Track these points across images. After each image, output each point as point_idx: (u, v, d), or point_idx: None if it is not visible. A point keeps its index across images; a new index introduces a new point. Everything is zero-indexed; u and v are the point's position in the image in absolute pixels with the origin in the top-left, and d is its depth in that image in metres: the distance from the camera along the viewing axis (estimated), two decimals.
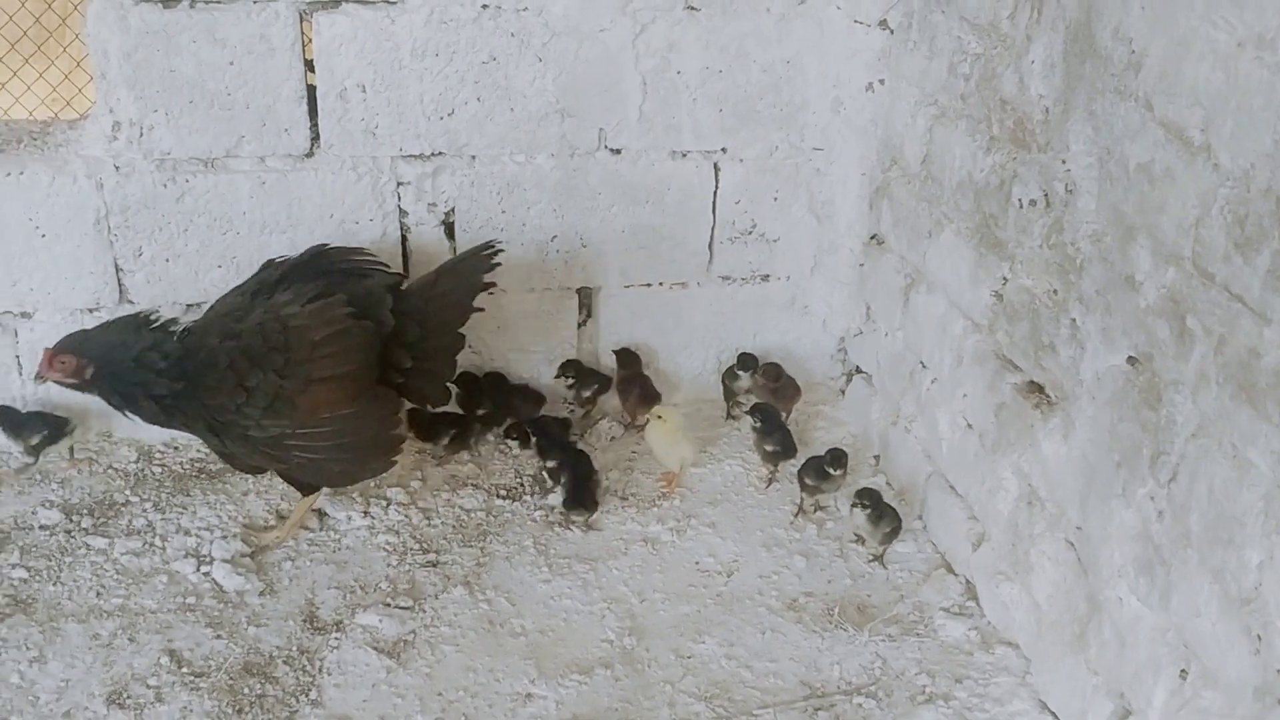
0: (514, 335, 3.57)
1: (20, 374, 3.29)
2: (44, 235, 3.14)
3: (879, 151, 3.37)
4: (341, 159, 3.25)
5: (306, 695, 2.68)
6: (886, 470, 3.47)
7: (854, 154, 3.45)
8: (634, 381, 3.54)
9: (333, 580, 3.01)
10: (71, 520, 3.12)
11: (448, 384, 3.17)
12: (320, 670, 2.75)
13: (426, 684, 2.73)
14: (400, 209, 3.35)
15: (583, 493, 3.21)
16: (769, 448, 3.36)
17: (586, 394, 3.54)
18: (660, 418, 3.34)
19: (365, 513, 3.23)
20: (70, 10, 3.83)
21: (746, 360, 3.58)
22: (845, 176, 3.50)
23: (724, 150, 3.49)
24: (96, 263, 3.20)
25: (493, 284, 3.13)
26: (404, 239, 3.39)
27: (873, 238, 3.46)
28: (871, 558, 3.15)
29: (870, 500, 3.07)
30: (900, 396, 3.35)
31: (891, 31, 3.25)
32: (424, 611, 2.93)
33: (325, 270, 3.00)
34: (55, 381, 2.81)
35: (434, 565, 3.08)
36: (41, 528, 3.08)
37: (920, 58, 3.11)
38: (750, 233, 3.62)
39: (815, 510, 3.32)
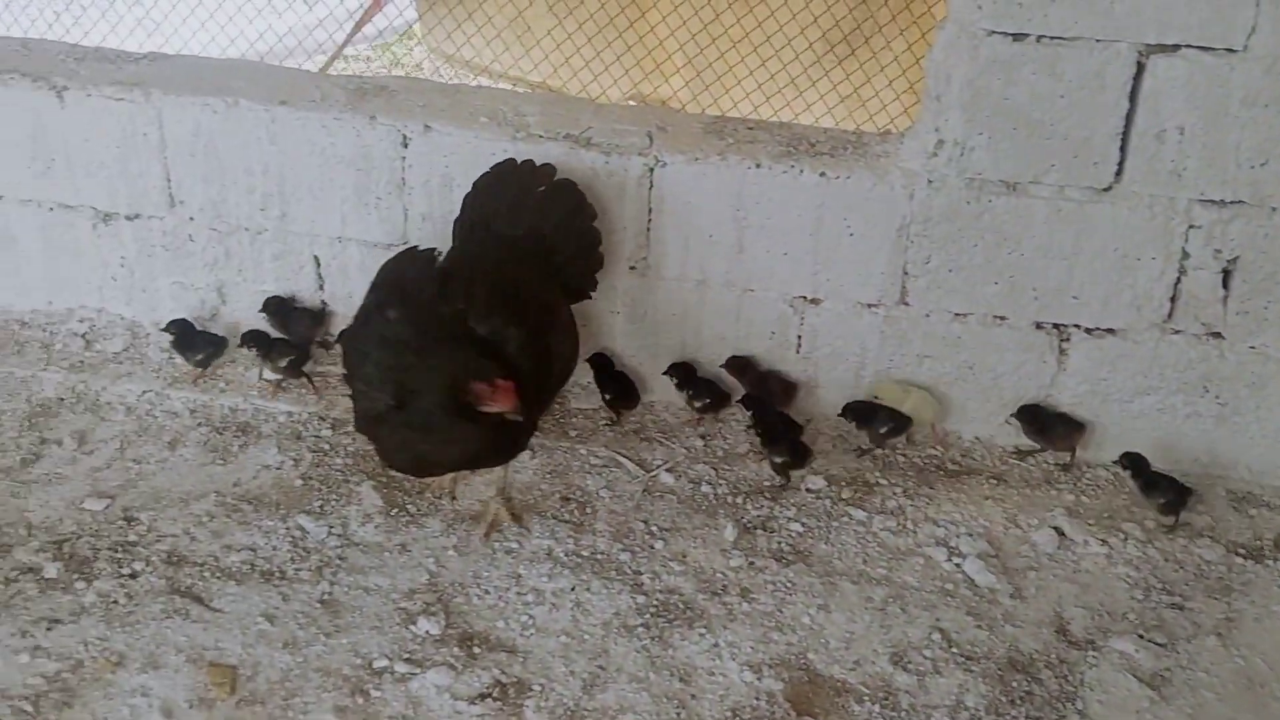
0: (1271, 393, 3.46)
1: (797, 351, 3.69)
2: (852, 234, 3.51)
3: None
4: (1140, 196, 3.32)
5: (1072, 704, 2.80)
6: None
7: None
8: None
9: (1078, 599, 3.12)
10: (832, 488, 3.47)
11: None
12: (1081, 684, 2.85)
13: None
14: (1184, 251, 3.37)
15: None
16: None
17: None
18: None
19: (1104, 541, 3.30)
20: (873, 18, 4.20)
21: None
22: None
23: None
24: (889, 264, 3.52)
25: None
26: (1178, 281, 3.40)
27: None
28: None
29: None
30: None
31: None
32: (1177, 652, 2.95)
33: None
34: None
35: (1179, 609, 3.09)
36: (808, 490, 3.46)
37: None
38: None
39: None
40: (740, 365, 3.65)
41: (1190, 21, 3.13)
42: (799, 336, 3.68)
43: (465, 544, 3.16)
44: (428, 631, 2.87)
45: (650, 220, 3.59)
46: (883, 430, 3.53)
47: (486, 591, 3.01)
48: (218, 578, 3.03)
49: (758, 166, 3.49)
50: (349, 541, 3.14)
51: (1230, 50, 3.14)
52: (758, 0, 4.20)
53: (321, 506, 3.25)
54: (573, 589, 3.03)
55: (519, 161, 3.43)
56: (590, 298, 3.49)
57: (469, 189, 3.39)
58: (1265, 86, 3.14)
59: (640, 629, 2.93)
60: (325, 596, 2.97)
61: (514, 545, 3.16)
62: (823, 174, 3.47)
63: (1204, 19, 3.12)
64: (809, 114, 4.29)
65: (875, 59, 4.31)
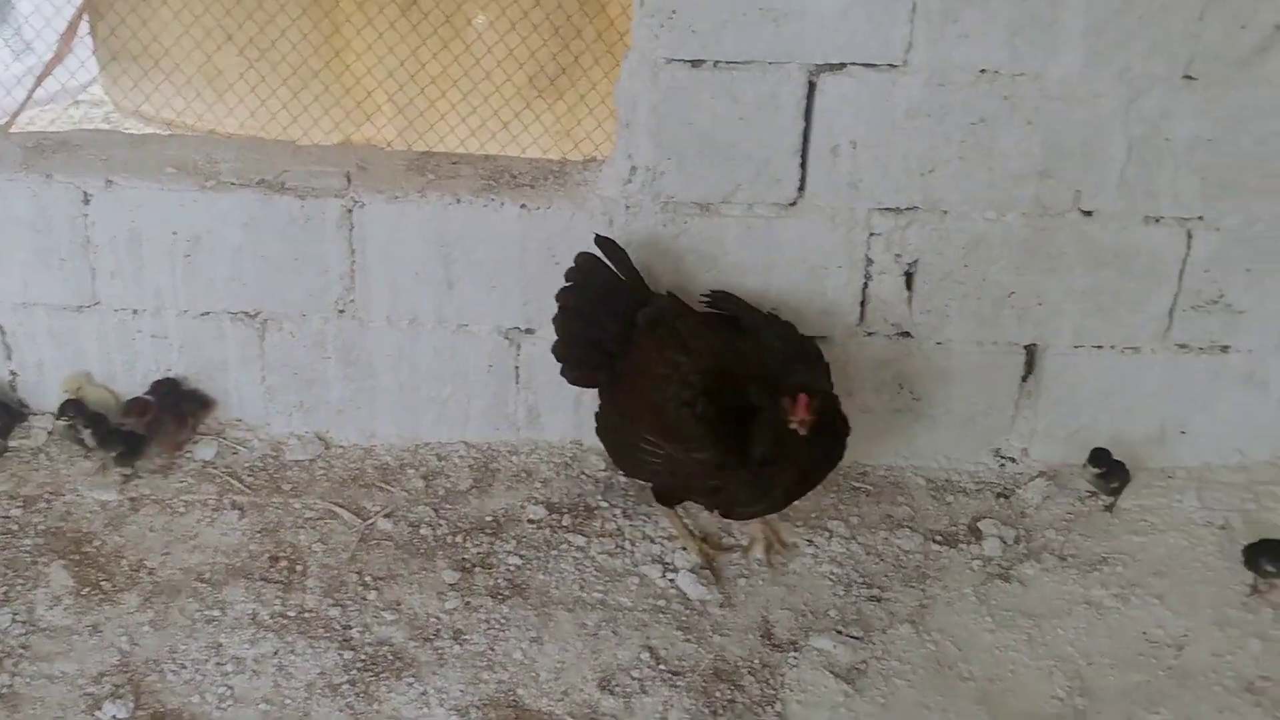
0: (956, 385, 3.65)
1: (516, 383, 3.70)
2: (557, 263, 3.52)
3: None
4: (822, 209, 3.45)
5: (771, 707, 2.89)
6: None
7: None
8: None
9: (784, 602, 3.22)
10: (553, 516, 3.49)
11: None
12: (782, 685, 2.95)
13: (883, 713, 2.87)
14: (868, 258, 3.52)
15: None
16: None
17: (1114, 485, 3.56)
18: None
19: (810, 541, 3.42)
20: (576, 55, 4.25)
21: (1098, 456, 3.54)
22: None
23: (1200, 218, 3.43)
24: None
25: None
26: (865, 286, 3.55)
27: None
28: None
29: None
30: None
31: None
32: (873, 643, 3.08)
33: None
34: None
35: (877, 601, 3.23)
36: (530, 521, 3.47)
37: None
38: (1216, 302, 3.54)
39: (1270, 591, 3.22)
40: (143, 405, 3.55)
41: (853, 41, 3.26)
42: (517, 368, 3.69)
43: (163, 618, 3.04)
44: (114, 716, 2.75)
45: (354, 262, 3.54)
46: (1114, 485, 3.52)
47: (183, 665, 2.91)
48: None
49: (458, 201, 3.49)
50: (34, 628, 2.99)
51: (891, 66, 3.29)
52: (457, 41, 4.17)
53: (6, 593, 3.08)
54: (275, 653, 2.95)
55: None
56: None
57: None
58: (925, 98, 3.31)
59: (345, 686, 2.88)
60: (4, 690, 2.81)
61: (216, 614, 3.06)
62: (523, 205, 3.49)
63: (865, 38, 3.26)
64: (521, 152, 4.30)
65: (582, 97, 4.36)
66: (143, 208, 3.46)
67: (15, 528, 3.30)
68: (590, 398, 3.62)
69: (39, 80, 4.20)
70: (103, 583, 3.14)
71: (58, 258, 3.50)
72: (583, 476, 3.65)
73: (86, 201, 3.45)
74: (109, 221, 3.47)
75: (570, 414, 3.71)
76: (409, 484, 3.57)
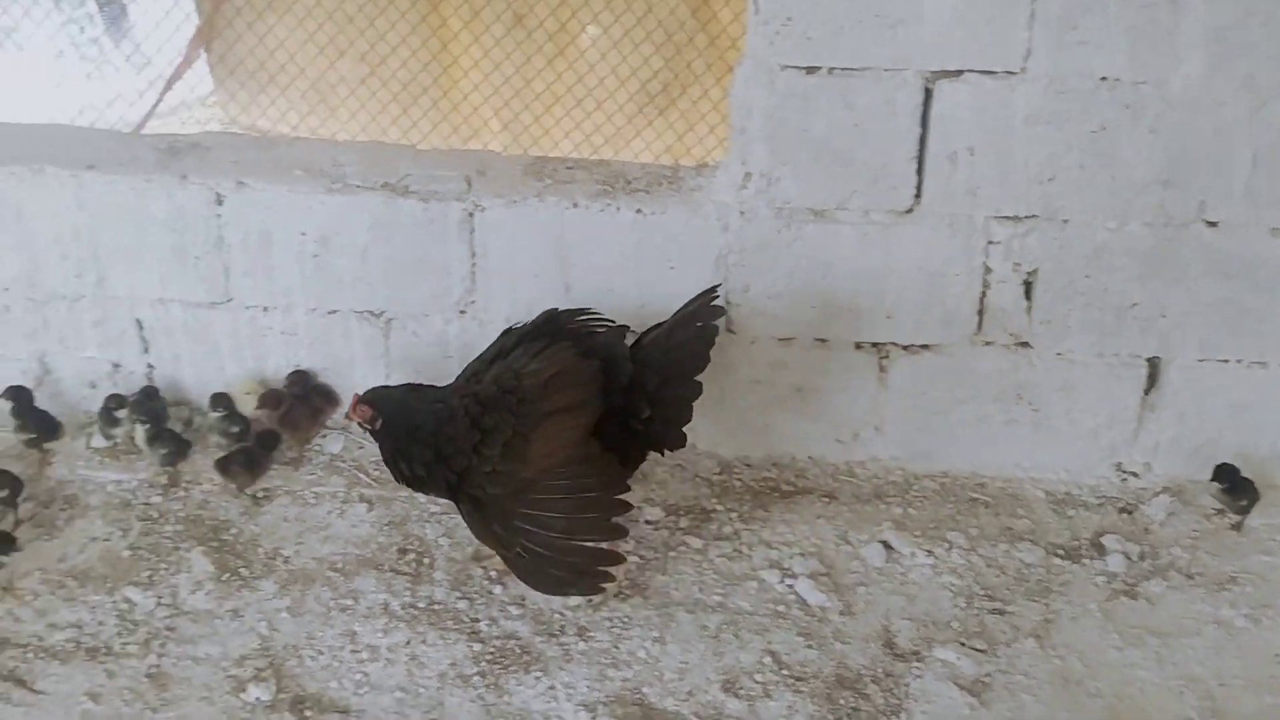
0: (1077, 396, 3.62)
1: None
2: (672, 267, 3.57)
3: None
4: (940, 216, 3.46)
5: (897, 717, 2.89)
6: None
7: None
8: None
9: (904, 611, 3.22)
10: (670, 518, 3.52)
11: (684, 430, 3.13)
12: (906, 695, 2.95)
13: None
14: (986, 266, 3.51)
15: None
16: None
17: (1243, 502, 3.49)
18: None
19: (929, 551, 3.41)
20: (686, 63, 4.29)
21: None
22: None
23: None
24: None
25: (715, 328, 3.08)
26: (983, 295, 3.55)
27: None
28: None
29: None
30: None
31: None
32: (997, 657, 3.07)
33: (557, 331, 3.15)
34: (357, 423, 3.09)
35: (1000, 614, 3.21)
36: (647, 522, 3.50)
37: None
38: None
39: None
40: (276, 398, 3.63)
41: (970, 48, 3.26)
42: None
43: (300, 605, 3.13)
44: (258, 698, 2.84)
45: (474, 264, 3.61)
46: (1243, 503, 3.47)
47: (320, 652, 2.99)
48: (41, 658, 2.95)
49: (575, 206, 3.54)
50: (179, 611, 3.09)
51: (1010, 72, 3.29)
52: (564, 55, 4.24)
53: (150, 577, 3.19)
54: (408, 642, 3.02)
55: None
56: None
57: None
58: (1045, 105, 3.30)
59: (476, 677, 2.94)
60: (153, 670, 2.92)
61: (349, 603, 3.14)
62: (639, 210, 3.53)
63: (983, 44, 3.26)
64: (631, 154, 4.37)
65: (693, 104, 4.40)
66: (273, 209, 3.56)
67: (156, 515, 3.41)
68: (705, 399, 3.65)
69: (163, 92, 4.33)
70: (241, 569, 3.23)
71: (193, 256, 3.61)
72: (697, 479, 3.67)
73: (219, 202, 3.55)
74: (241, 221, 3.57)
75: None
76: None
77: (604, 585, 3.03)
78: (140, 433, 3.56)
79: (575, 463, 2.94)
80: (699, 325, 3.08)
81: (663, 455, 3.32)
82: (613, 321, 3.29)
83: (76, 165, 3.54)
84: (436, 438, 2.98)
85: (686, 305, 3.17)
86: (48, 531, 3.36)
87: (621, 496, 3.00)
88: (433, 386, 3.18)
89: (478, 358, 3.23)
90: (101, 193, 3.54)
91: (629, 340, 3.23)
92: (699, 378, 3.08)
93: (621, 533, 2.99)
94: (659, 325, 3.18)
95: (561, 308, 3.28)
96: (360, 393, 3.12)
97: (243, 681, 2.89)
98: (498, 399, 2.96)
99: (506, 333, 3.24)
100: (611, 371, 3.03)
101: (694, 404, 3.12)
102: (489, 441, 2.92)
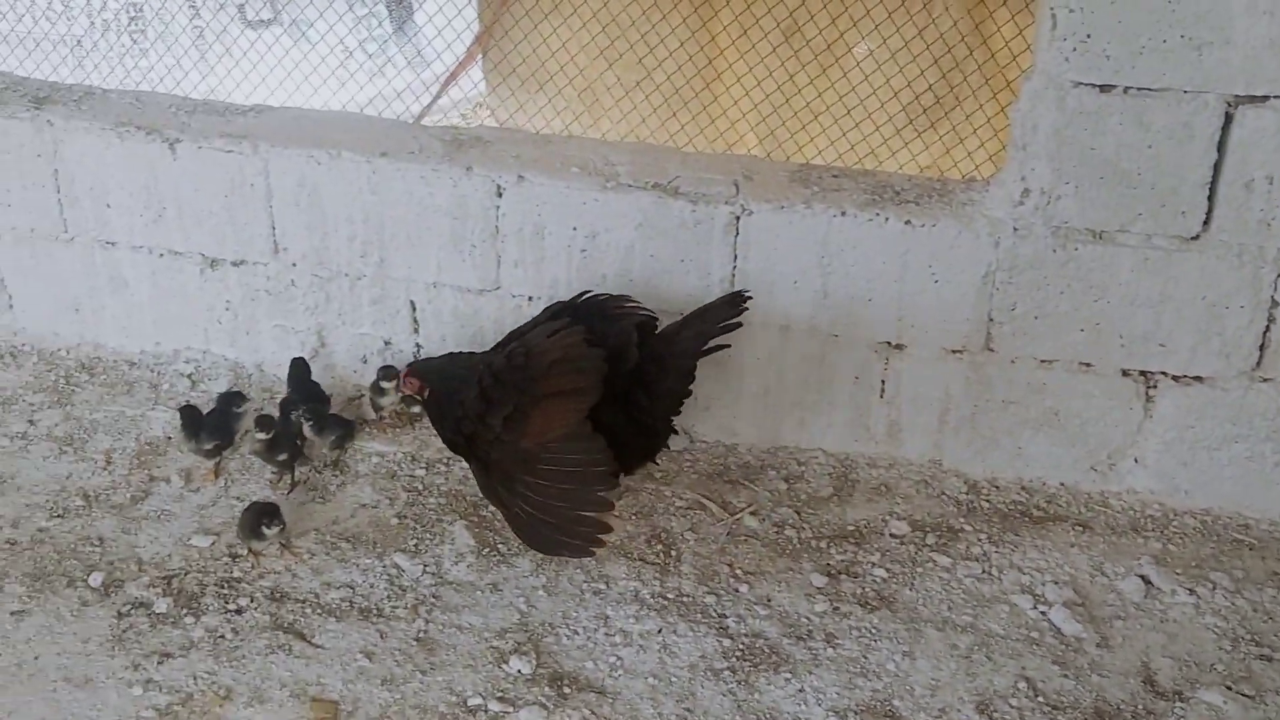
0: None
1: (880, 396, 3.73)
2: (937, 281, 3.54)
3: None
4: (1228, 245, 3.32)
5: None
6: None
7: None
8: None
9: (1165, 649, 3.10)
10: (917, 534, 3.49)
11: (672, 427, 3.34)
12: None
13: None
14: (1273, 299, 3.35)
15: None
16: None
17: None
18: None
19: (1191, 590, 3.28)
20: (953, 85, 4.26)
21: None
22: None
23: None
24: (974, 311, 3.55)
25: (729, 331, 3.24)
26: (1266, 330, 3.39)
27: None
28: None
29: None
30: None
31: None
32: (1266, 704, 2.93)
33: (589, 313, 3.31)
34: (406, 394, 3.41)
35: (1268, 660, 3.06)
36: (893, 535, 3.49)
37: None
38: None
39: None
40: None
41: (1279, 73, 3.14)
42: (883, 381, 3.72)
43: (554, 584, 3.24)
44: (519, 671, 2.96)
45: (735, 267, 3.66)
46: None
47: (575, 632, 3.09)
48: (318, 614, 3.14)
49: (842, 214, 3.55)
50: (443, 580, 3.25)
51: None
52: (833, 69, 4.26)
53: (416, 545, 3.36)
54: (659, 631, 3.10)
55: None
56: None
57: None
58: None
59: (726, 672, 2.99)
60: (421, 634, 3.08)
61: (601, 586, 3.24)
62: (907, 221, 3.52)
63: None
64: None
65: (954, 126, 4.35)
66: (548, 203, 3.69)
67: (421, 487, 3.59)
68: (956, 416, 3.62)
69: (439, 91, 4.56)
70: (499, 545, 3.37)
71: (469, 244, 3.78)
72: (943, 497, 3.63)
73: (499, 194, 3.71)
74: (517, 214, 3.72)
75: (933, 432, 3.71)
76: (771, 484, 3.65)
77: (593, 549, 3.14)
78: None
79: (570, 439, 3.09)
80: (701, 326, 3.25)
81: (667, 448, 3.43)
82: (651, 311, 3.42)
83: (371, 152, 3.76)
84: (452, 402, 3.24)
85: (710, 302, 3.35)
86: (321, 495, 3.58)
87: (608, 472, 3.12)
88: (470, 354, 3.46)
89: (518, 326, 3.47)
90: (392, 178, 3.75)
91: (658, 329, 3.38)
92: (696, 372, 3.28)
93: (608, 506, 3.11)
94: (681, 319, 3.33)
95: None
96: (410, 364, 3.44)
97: (504, 653, 3.02)
98: (507, 374, 3.15)
99: (549, 308, 3.46)
100: (616, 359, 3.17)
101: (681, 401, 3.32)
102: (492, 412, 3.12)
